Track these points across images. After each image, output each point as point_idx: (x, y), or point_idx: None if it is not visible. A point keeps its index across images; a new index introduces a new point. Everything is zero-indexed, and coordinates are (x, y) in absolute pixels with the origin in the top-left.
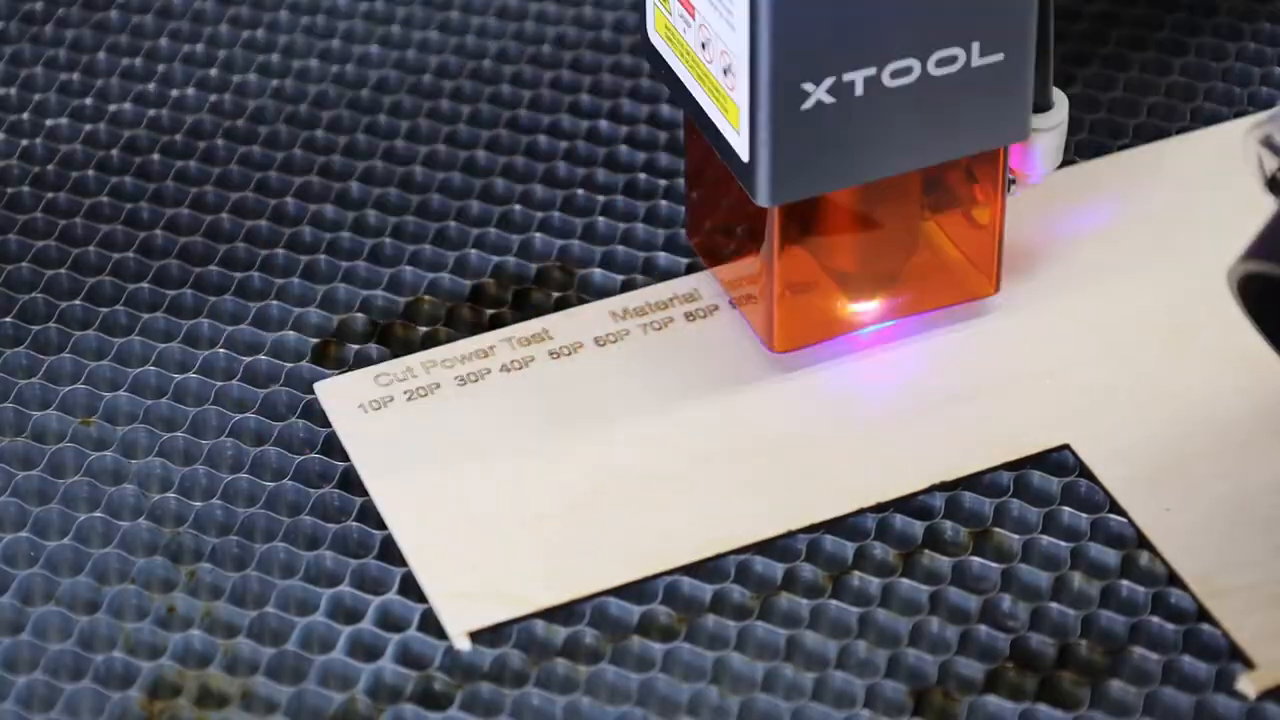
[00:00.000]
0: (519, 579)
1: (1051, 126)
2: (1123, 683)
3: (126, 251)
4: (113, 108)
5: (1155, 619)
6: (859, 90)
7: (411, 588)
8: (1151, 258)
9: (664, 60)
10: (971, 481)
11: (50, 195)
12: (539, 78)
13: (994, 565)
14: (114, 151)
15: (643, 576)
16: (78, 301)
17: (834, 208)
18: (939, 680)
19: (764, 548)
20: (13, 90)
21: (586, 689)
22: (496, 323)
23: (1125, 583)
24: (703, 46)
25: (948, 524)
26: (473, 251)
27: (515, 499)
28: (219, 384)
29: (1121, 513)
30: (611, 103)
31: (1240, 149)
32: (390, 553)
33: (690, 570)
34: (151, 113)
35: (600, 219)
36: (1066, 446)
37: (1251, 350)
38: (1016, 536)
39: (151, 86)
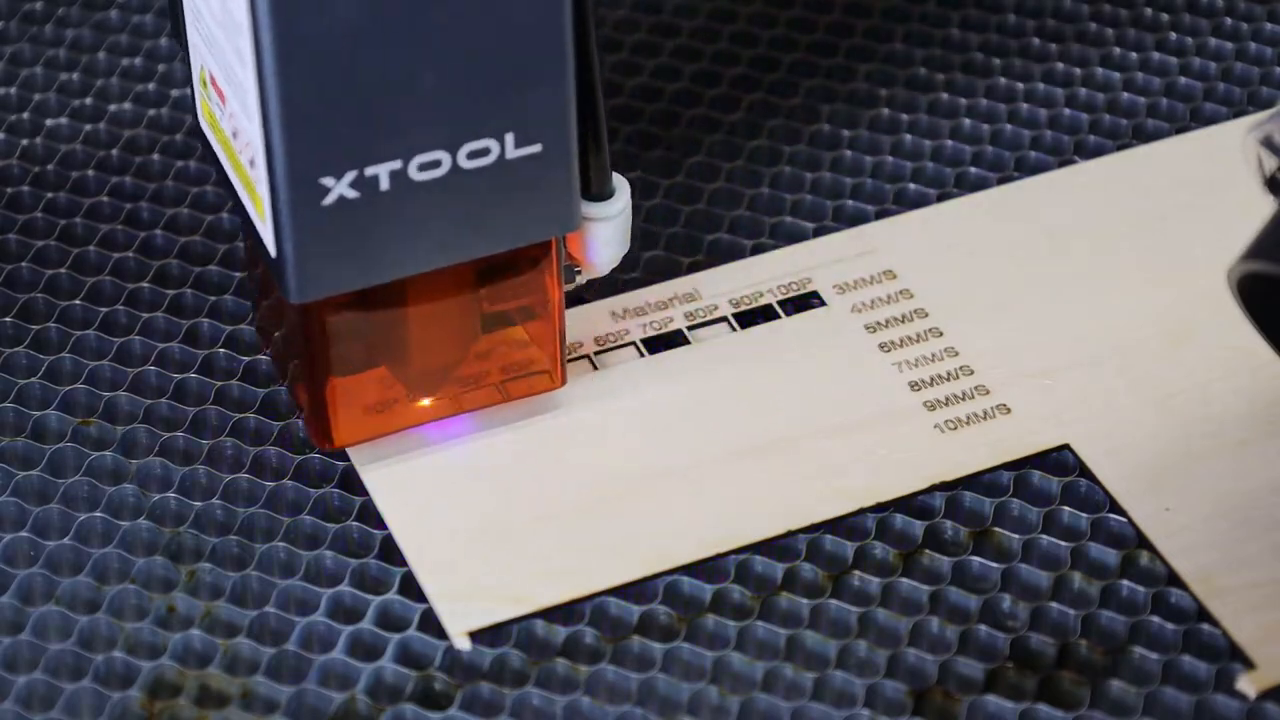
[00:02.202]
0: (519, 579)
1: (610, 216)
2: (1123, 683)
3: (126, 251)
4: (113, 108)
5: (1155, 619)
6: (385, 185)
7: (411, 588)
8: (1151, 258)
9: (211, 147)
10: (971, 481)
11: (50, 195)
12: None
13: (994, 565)
14: (114, 151)
15: (643, 576)
16: (78, 301)
17: (383, 300)
18: (939, 680)
19: (764, 548)
20: (13, 90)
21: (586, 689)
22: None
23: (1125, 583)
24: (234, 135)
25: (948, 524)
26: None
27: (515, 499)
28: (218, 383)
29: (1121, 513)
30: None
31: (1240, 149)
32: (390, 553)
33: (690, 570)
34: (151, 113)
35: None
36: (1066, 446)
37: (1251, 350)
38: (1016, 536)
39: (151, 86)
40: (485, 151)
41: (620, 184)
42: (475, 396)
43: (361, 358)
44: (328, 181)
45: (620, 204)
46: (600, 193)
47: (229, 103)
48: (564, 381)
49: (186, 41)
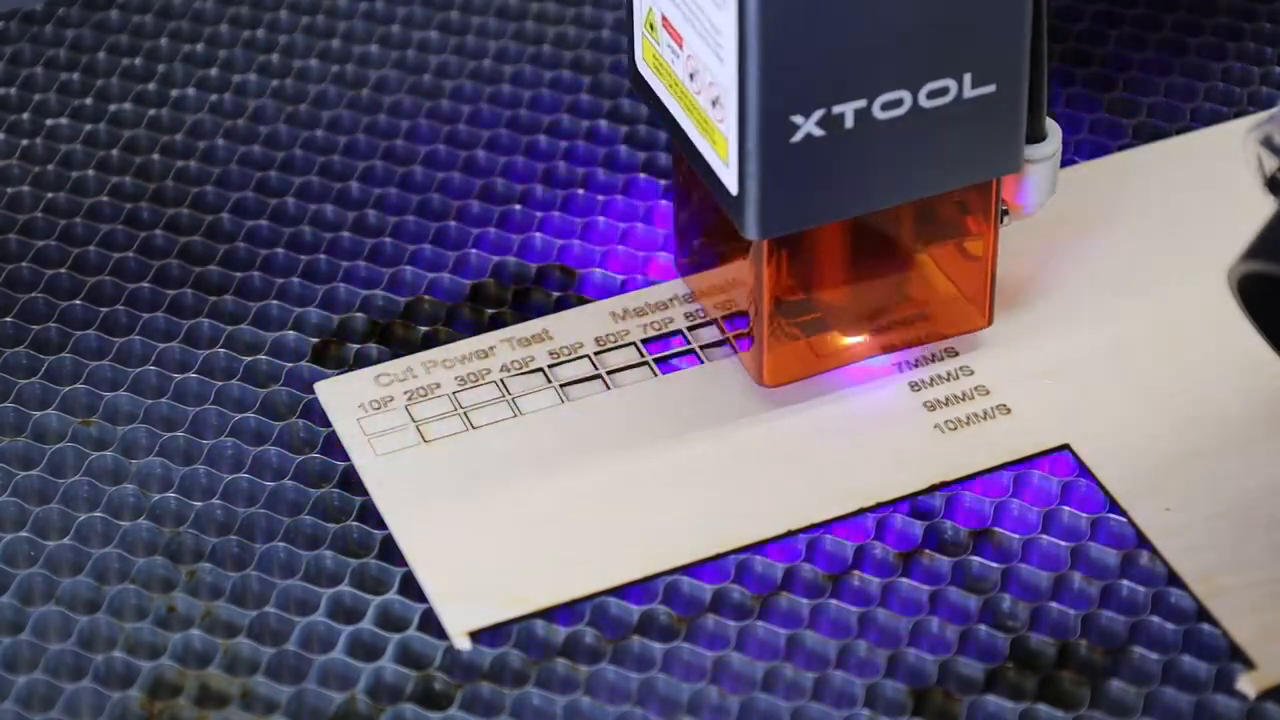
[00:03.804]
0: (519, 579)
1: (1044, 157)
2: (1123, 683)
3: (126, 251)
4: (113, 108)
5: (1155, 619)
6: (849, 123)
7: (411, 588)
8: (1152, 258)
9: (652, 90)
10: (971, 481)
11: (50, 195)
12: (539, 78)
13: (994, 565)
14: (114, 151)
15: (643, 576)
16: (78, 301)
17: (824, 240)
18: (939, 680)
19: (764, 548)
20: (13, 90)
21: (586, 689)
22: (496, 323)
23: (1125, 583)
24: (691, 77)
25: (948, 524)
26: (473, 251)
27: (515, 499)
28: (219, 384)
29: (1121, 513)
30: (611, 103)
31: (1240, 149)
32: (390, 553)
33: (690, 570)
34: (151, 113)
35: (600, 219)
36: (1066, 446)
37: (1251, 350)
38: (1016, 536)
39: (151, 86)
40: (944, 91)
41: (1052, 126)
42: (902, 335)
43: (800, 299)
44: (797, 119)
45: (1053, 146)
46: (1037, 134)
47: (688, 44)
48: (990, 322)
49: None
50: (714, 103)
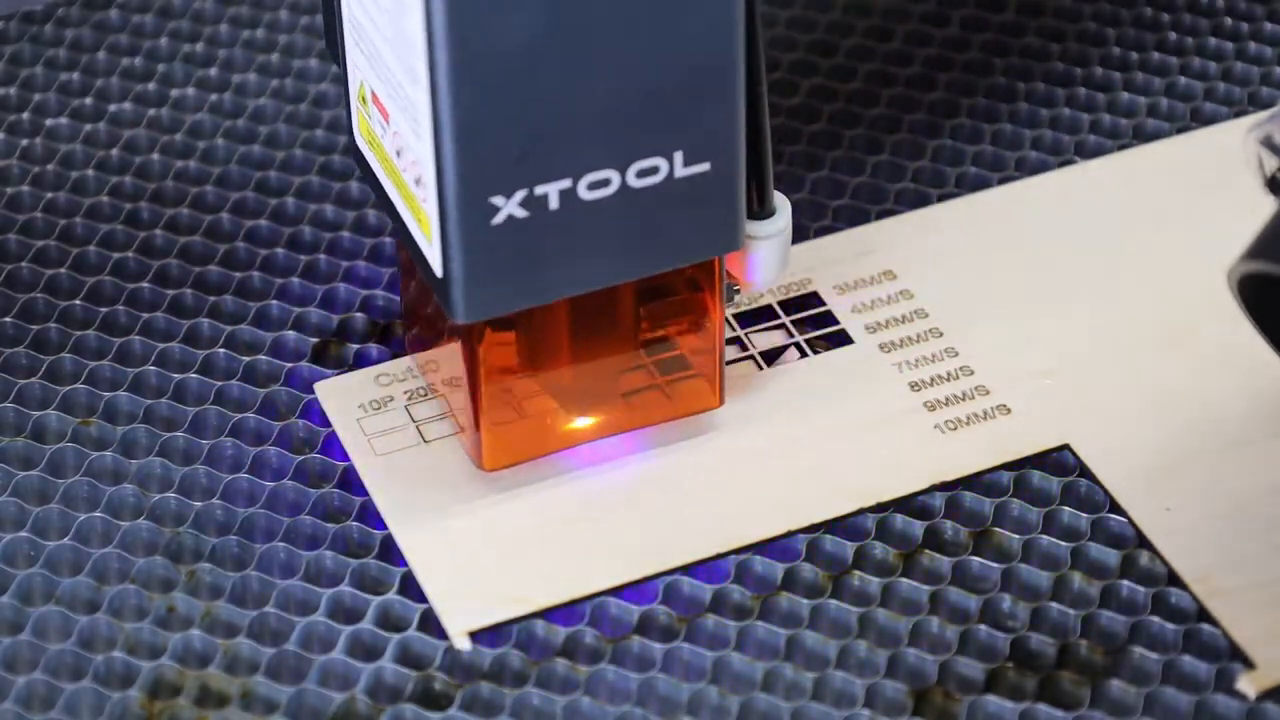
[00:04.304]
0: (519, 579)
1: (771, 234)
2: (1123, 683)
3: (126, 251)
4: (113, 108)
5: (1155, 619)
6: (554, 204)
7: (411, 588)
8: (1151, 258)
9: (369, 165)
10: (971, 481)
11: (50, 195)
12: None
13: (994, 565)
14: (114, 151)
15: (643, 576)
16: (78, 301)
17: (544, 319)
18: (939, 680)
19: (764, 548)
20: (13, 90)
21: (586, 689)
22: None
23: (1125, 583)
24: (398, 154)
25: (948, 524)
26: None
27: (515, 499)
28: (219, 384)
29: (1121, 513)
30: None
31: (1240, 149)
32: (390, 553)
33: (690, 570)
34: (151, 112)
35: None
36: (1066, 446)
37: (1251, 350)
38: (1016, 536)
39: (151, 86)
40: (654, 170)
41: (781, 202)
42: (629, 418)
43: (518, 380)
44: (498, 200)
45: (782, 222)
46: (763, 210)
47: (393, 121)
48: (722, 402)
49: (344, 58)
50: (417, 181)
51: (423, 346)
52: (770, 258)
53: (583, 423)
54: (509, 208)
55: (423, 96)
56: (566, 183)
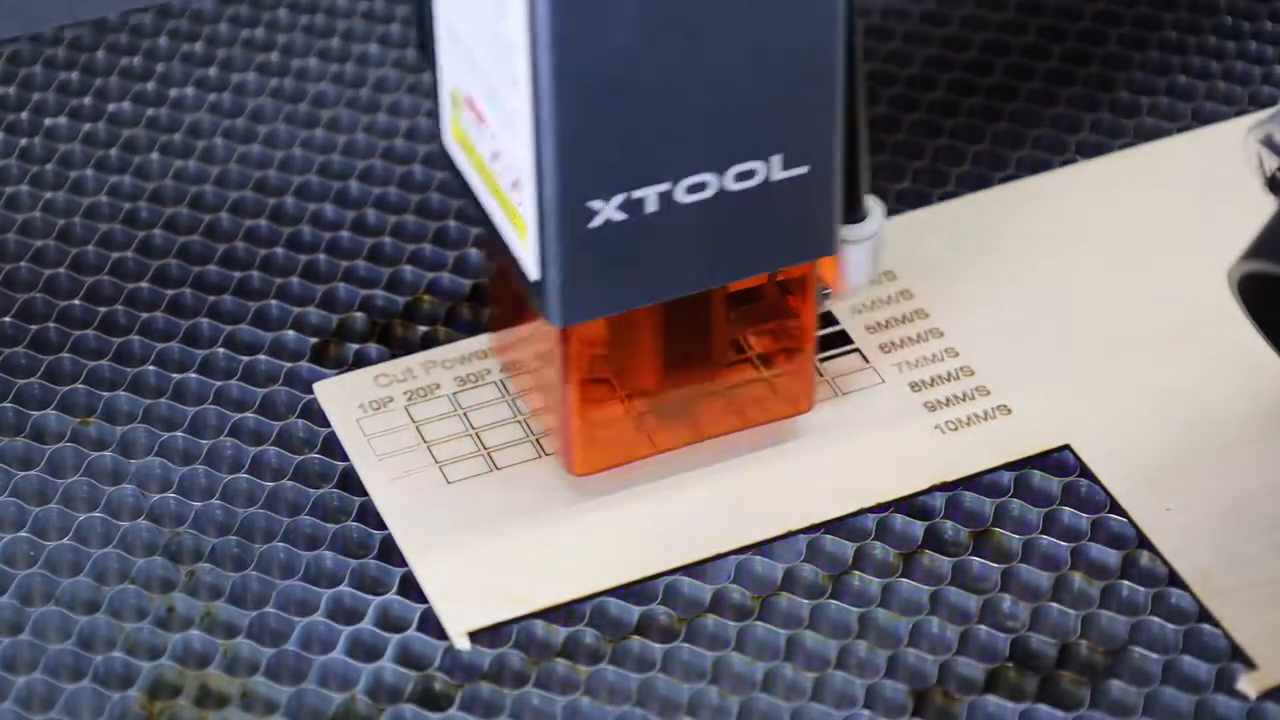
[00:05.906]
0: (519, 579)
1: (862, 239)
2: (1123, 683)
3: (125, 251)
4: (111, 107)
5: (1155, 619)
6: (652, 207)
7: (411, 588)
8: (1152, 257)
9: (459, 167)
10: (972, 482)
11: (49, 194)
12: None
13: (994, 565)
14: (113, 151)
15: (643, 576)
16: (77, 301)
17: (635, 324)
18: (939, 680)
19: (764, 548)
20: (12, 90)
21: (586, 689)
22: None
23: (1125, 583)
24: (494, 157)
25: (948, 524)
26: (473, 251)
27: (515, 499)
28: (219, 383)
29: (1121, 513)
30: None
31: (1240, 149)
32: (390, 553)
33: (690, 570)
34: (150, 112)
35: None
36: (1066, 446)
37: (1251, 350)
38: (1016, 536)
39: (150, 85)
40: (752, 173)
41: (875, 205)
42: (720, 423)
43: (610, 385)
44: (596, 204)
45: (874, 225)
46: (855, 215)
47: (490, 124)
48: (811, 406)
49: (436, 62)
50: (514, 184)
51: (513, 350)
52: (863, 260)
53: (674, 427)
54: (607, 211)
55: (523, 100)
56: (665, 186)
